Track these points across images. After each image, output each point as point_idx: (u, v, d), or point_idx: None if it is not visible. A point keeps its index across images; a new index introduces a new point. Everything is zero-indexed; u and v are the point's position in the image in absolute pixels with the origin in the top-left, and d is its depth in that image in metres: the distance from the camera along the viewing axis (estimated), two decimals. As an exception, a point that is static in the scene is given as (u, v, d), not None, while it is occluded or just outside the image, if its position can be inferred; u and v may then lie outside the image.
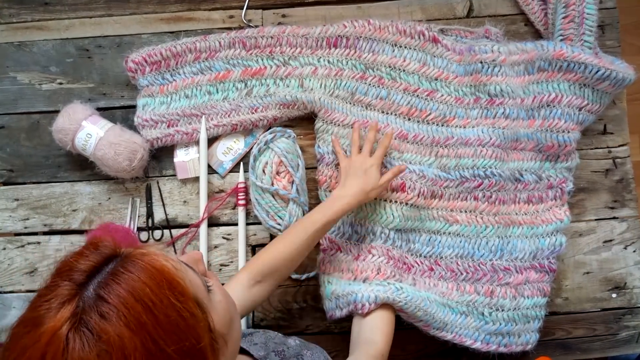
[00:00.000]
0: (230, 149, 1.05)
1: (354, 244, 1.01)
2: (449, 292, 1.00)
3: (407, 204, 1.01)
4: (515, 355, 1.01)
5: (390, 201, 1.01)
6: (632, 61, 0.99)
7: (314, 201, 1.04)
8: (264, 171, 0.99)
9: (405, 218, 1.00)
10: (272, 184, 0.98)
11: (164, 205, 1.06)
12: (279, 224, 0.98)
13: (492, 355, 1.00)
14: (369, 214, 1.00)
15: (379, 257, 0.97)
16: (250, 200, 1.01)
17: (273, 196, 0.98)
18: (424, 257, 1.01)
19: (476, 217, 1.01)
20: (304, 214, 0.98)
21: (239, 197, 1.03)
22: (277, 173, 0.99)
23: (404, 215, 1.00)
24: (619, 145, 1.06)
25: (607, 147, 1.06)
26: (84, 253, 0.51)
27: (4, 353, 0.47)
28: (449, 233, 1.01)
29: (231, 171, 1.06)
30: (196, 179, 1.05)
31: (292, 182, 0.98)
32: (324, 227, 0.89)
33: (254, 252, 1.05)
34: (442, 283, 1.01)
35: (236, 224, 1.04)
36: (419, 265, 1.01)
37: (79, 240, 1.05)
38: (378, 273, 0.94)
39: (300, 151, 1.02)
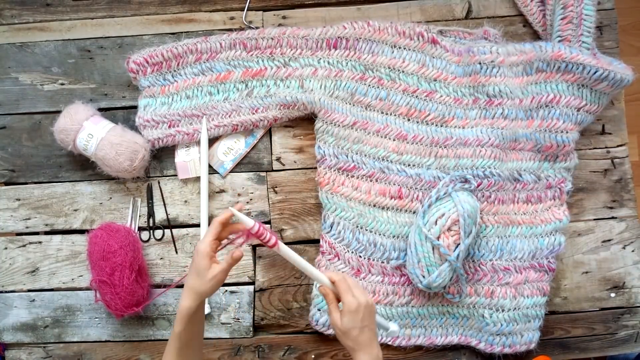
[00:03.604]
0: (231, 149, 1.06)
1: (352, 252, 1.01)
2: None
3: (403, 210, 1.01)
4: (517, 355, 1.01)
5: (388, 208, 1.01)
6: (630, 62, 1.00)
7: (314, 201, 1.05)
8: (436, 221, 0.94)
9: (401, 225, 1.01)
10: (439, 238, 0.93)
11: (165, 205, 1.06)
12: (424, 277, 0.94)
13: (494, 354, 1.01)
14: (369, 221, 1.01)
15: (377, 275, 1.01)
16: (277, 237, 0.78)
17: (433, 248, 0.94)
18: None
19: (475, 217, 1.02)
20: (450, 279, 0.95)
21: (265, 241, 0.77)
22: (448, 229, 0.94)
23: (397, 222, 1.01)
24: (618, 146, 1.07)
25: (606, 147, 1.07)
26: None
27: None
28: None
29: (232, 171, 1.07)
30: (197, 179, 1.05)
31: (457, 245, 0.94)
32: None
33: (254, 252, 1.05)
34: None
35: (237, 224, 1.04)
36: None
37: (80, 240, 1.06)
38: (373, 295, 1.00)
39: (479, 217, 0.96)
